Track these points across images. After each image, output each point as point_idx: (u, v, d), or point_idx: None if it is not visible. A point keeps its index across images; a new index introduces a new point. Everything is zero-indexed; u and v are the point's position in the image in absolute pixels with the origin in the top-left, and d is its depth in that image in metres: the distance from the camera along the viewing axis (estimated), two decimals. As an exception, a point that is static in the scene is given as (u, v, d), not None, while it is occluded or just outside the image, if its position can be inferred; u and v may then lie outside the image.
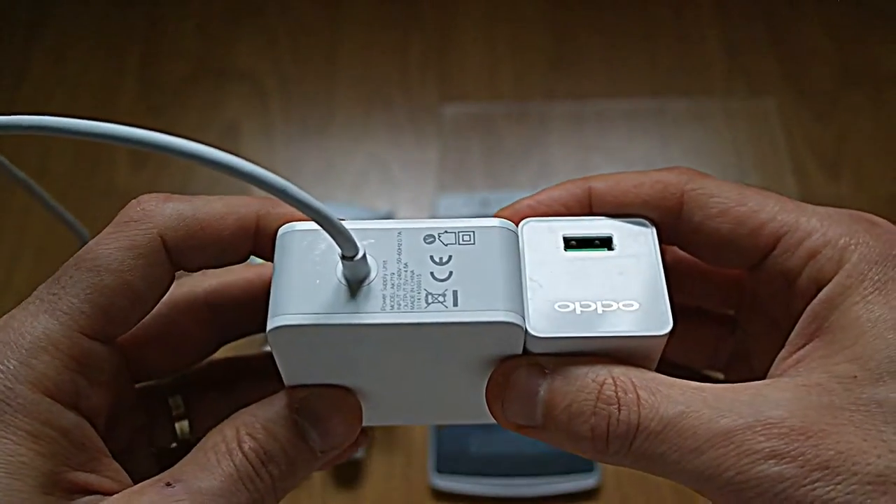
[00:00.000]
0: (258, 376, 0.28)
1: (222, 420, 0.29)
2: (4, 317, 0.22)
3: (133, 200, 0.23)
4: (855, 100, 0.69)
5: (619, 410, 0.21)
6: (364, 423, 0.25)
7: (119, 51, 0.74)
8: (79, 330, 0.22)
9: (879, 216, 0.23)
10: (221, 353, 0.29)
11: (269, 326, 0.21)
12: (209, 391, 0.28)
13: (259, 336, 0.29)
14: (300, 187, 0.19)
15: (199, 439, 0.28)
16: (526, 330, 0.22)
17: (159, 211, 0.23)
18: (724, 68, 0.71)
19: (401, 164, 0.68)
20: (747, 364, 0.28)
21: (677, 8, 0.74)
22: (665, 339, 0.22)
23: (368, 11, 0.75)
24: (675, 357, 0.27)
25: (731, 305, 0.29)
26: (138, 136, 0.18)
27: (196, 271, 0.24)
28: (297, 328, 0.21)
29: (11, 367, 0.21)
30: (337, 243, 0.21)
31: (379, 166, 0.68)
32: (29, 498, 0.20)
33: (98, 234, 0.23)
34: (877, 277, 0.21)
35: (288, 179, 0.19)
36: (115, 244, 0.22)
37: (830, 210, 0.23)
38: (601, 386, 0.21)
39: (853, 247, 0.22)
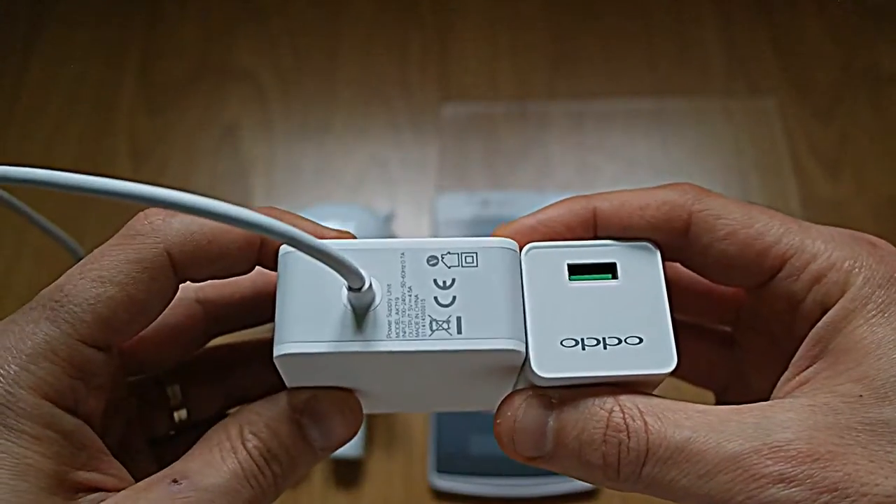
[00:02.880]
0: (253, 363, 0.29)
1: (219, 407, 0.29)
2: (5, 320, 0.22)
3: (140, 213, 0.23)
4: (856, 99, 0.69)
5: (629, 438, 0.21)
6: (363, 412, 0.26)
7: (119, 51, 0.73)
8: (79, 338, 0.22)
9: (880, 216, 0.23)
10: (215, 341, 0.30)
11: (276, 353, 0.21)
12: (205, 379, 0.29)
13: (248, 331, 0.30)
14: (302, 228, 0.19)
15: (196, 426, 0.29)
16: (532, 369, 0.22)
17: (167, 226, 0.23)
18: (724, 68, 0.71)
19: (400, 163, 0.68)
20: (744, 383, 0.28)
21: (677, 8, 0.74)
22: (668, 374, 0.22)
23: (368, 11, 0.75)
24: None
25: (730, 322, 0.29)
26: (130, 191, 0.18)
27: (202, 282, 0.25)
28: (303, 356, 0.21)
29: (12, 373, 0.21)
30: (343, 277, 0.21)
31: (379, 166, 0.68)
32: (36, 498, 0.20)
33: (96, 240, 0.23)
34: (880, 300, 0.21)
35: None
36: (121, 256, 0.22)
37: (833, 231, 0.23)
38: (609, 414, 0.21)
39: (857, 270, 0.22)
